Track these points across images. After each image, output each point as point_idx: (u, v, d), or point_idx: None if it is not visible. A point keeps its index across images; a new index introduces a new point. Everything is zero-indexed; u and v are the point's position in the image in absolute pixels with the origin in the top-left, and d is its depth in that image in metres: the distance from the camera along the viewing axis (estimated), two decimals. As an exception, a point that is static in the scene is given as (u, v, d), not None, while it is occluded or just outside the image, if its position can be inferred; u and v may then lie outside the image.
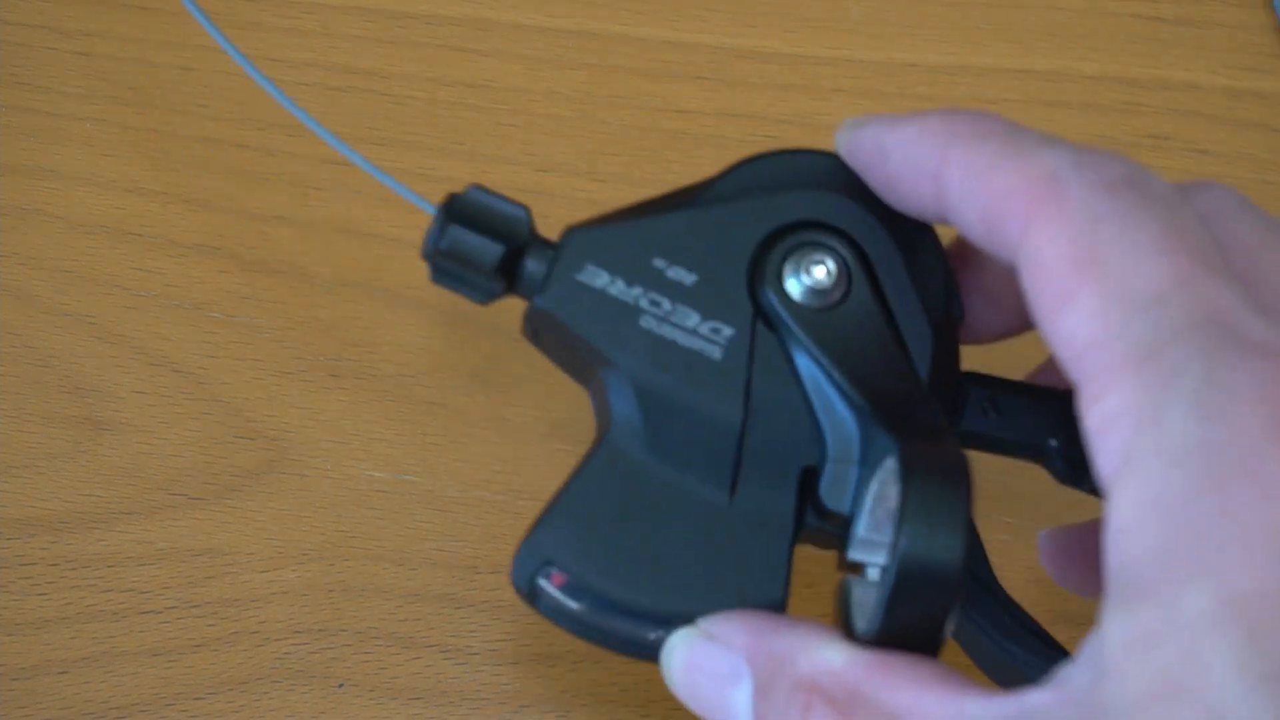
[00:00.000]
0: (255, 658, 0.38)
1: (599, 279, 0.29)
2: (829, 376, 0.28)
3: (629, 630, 0.28)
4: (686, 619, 0.28)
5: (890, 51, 0.46)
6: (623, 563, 0.28)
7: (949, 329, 0.30)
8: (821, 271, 0.29)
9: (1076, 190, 0.24)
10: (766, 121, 0.45)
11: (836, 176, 0.30)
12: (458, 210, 0.31)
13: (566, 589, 0.28)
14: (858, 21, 0.46)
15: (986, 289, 0.31)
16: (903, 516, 0.25)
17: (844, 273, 0.30)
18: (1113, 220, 0.24)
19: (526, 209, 0.31)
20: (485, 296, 0.31)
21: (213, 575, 0.39)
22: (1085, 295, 0.23)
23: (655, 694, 0.38)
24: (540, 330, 0.30)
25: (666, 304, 0.29)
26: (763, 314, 0.29)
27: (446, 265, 0.31)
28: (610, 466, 0.29)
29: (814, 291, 0.29)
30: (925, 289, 0.30)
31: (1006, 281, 0.30)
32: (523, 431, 0.41)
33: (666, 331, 0.29)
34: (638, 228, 0.30)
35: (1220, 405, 0.21)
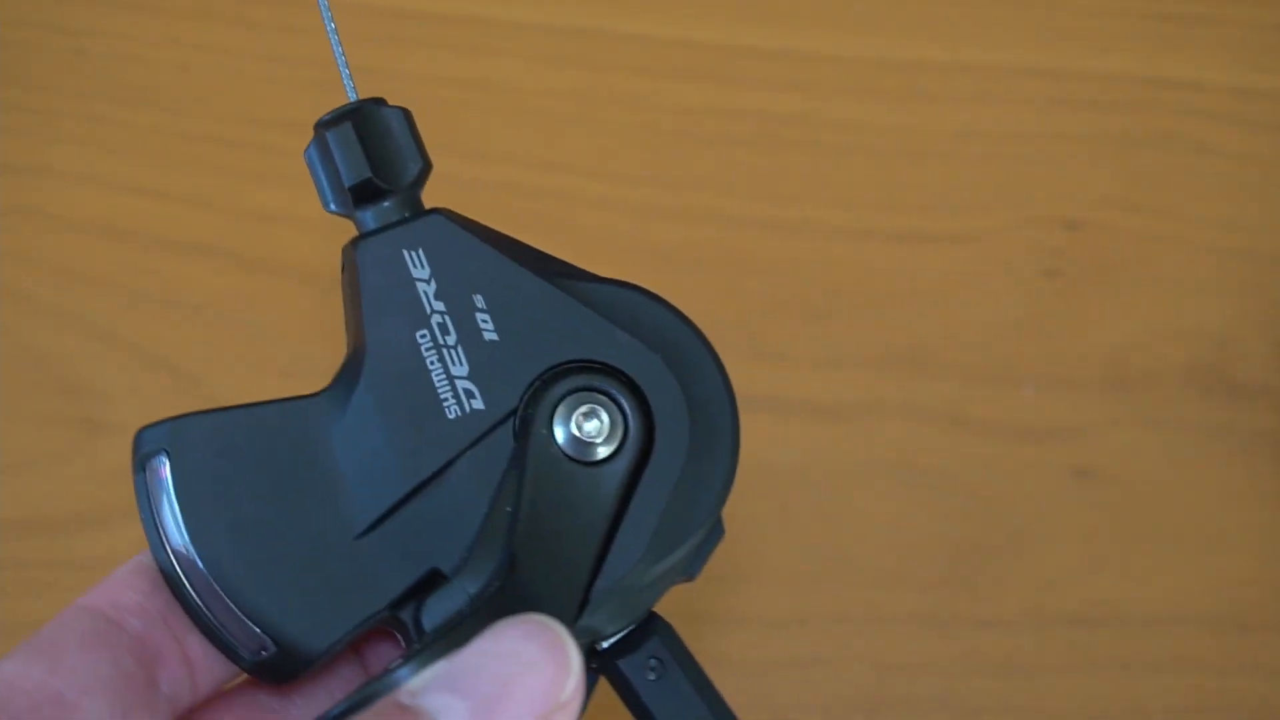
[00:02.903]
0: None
1: (419, 270, 0.28)
2: (515, 515, 0.27)
3: (183, 562, 0.27)
4: (231, 590, 0.26)
5: (894, 50, 0.46)
6: (227, 506, 0.27)
7: (666, 567, 0.28)
8: (593, 427, 0.27)
9: None
10: (768, 120, 0.45)
11: (682, 360, 0.29)
12: (368, 118, 0.29)
13: (164, 484, 0.27)
14: (861, 20, 0.46)
15: None
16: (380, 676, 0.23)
17: (617, 443, 0.27)
18: None
19: (426, 165, 0.29)
20: (325, 202, 0.29)
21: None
22: None
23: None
24: (344, 270, 0.29)
25: (453, 338, 0.28)
26: (520, 418, 0.28)
27: (318, 150, 0.29)
28: (296, 422, 0.27)
29: (574, 440, 0.27)
30: (680, 511, 0.28)
31: None
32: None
33: (431, 359, 0.28)
34: (492, 258, 0.28)
35: None
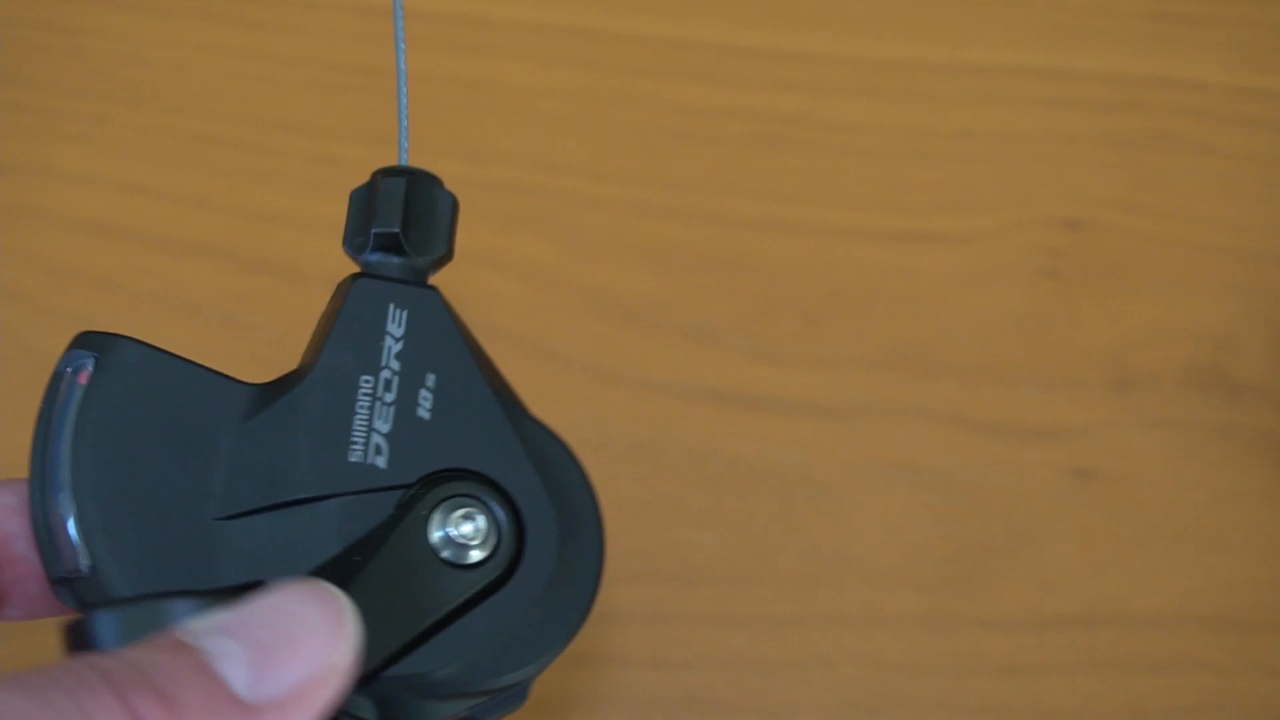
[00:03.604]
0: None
1: (395, 327, 0.29)
2: (358, 567, 0.27)
3: (53, 459, 0.27)
4: (84, 500, 0.26)
5: (893, 49, 0.46)
6: (120, 432, 0.27)
7: (458, 693, 0.28)
8: (467, 531, 0.28)
9: None
10: (768, 120, 0.45)
11: (569, 518, 0.29)
12: (423, 186, 0.31)
13: (78, 389, 0.28)
14: (861, 20, 0.46)
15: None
16: None
17: (481, 557, 0.28)
18: None
19: (448, 253, 0.31)
20: (346, 237, 0.30)
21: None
22: None
23: (660, 695, 0.38)
24: (334, 297, 0.30)
25: (391, 398, 0.29)
26: (410, 494, 0.28)
27: (365, 191, 0.31)
28: (218, 397, 0.28)
29: (446, 534, 0.28)
30: (501, 652, 0.28)
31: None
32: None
33: (363, 404, 0.28)
34: (460, 353, 0.29)
35: None
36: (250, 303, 0.42)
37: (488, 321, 0.42)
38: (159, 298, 0.41)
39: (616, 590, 0.40)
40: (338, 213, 0.42)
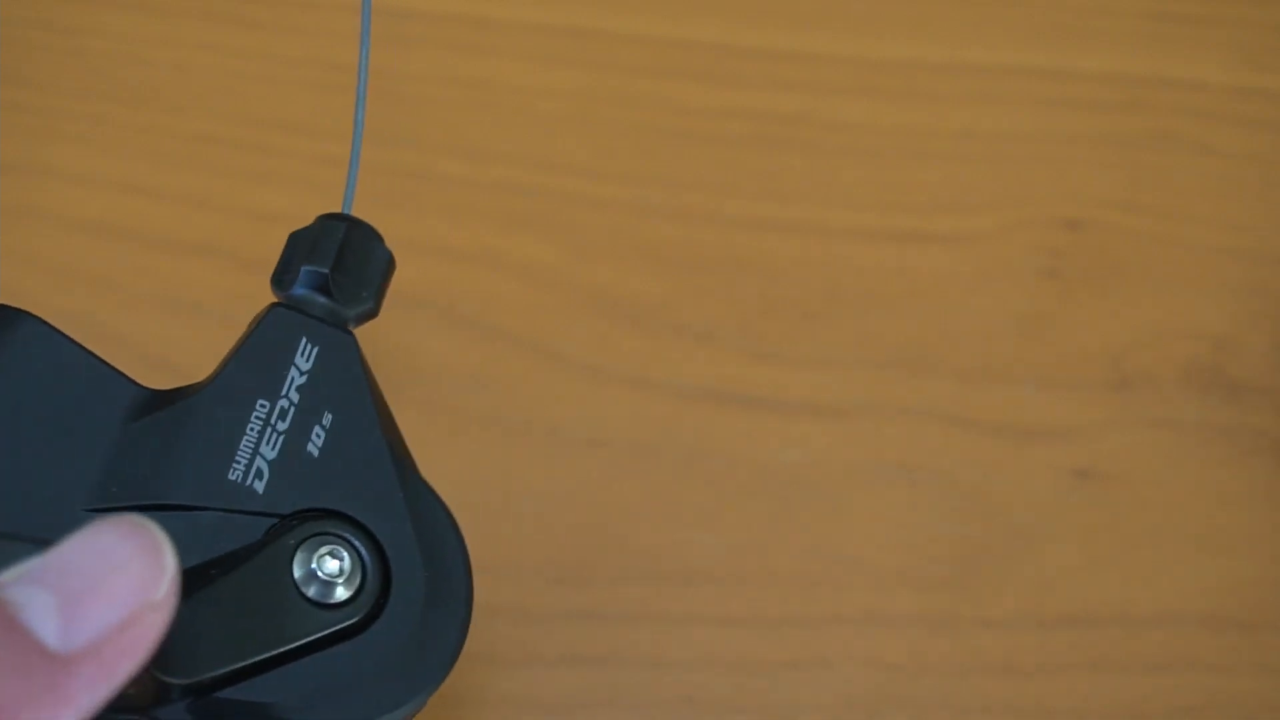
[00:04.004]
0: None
1: (302, 361, 0.29)
2: (208, 580, 0.27)
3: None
4: None
5: (893, 49, 0.46)
6: (7, 409, 0.27)
7: None
8: (330, 568, 0.28)
9: None
10: (768, 120, 0.45)
11: (439, 581, 0.29)
12: (362, 237, 0.31)
13: None
14: (861, 20, 0.46)
15: None
16: None
17: (337, 600, 0.28)
18: None
19: (374, 308, 0.31)
20: (276, 273, 0.31)
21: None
22: None
23: (660, 696, 0.38)
24: (253, 321, 0.30)
25: (283, 427, 0.29)
26: (280, 524, 0.28)
27: (304, 232, 0.31)
28: (109, 391, 0.28)
29: (310, 573, 0.28)
30: (344, 703, 0.28)
31: None
32: (521, 433, 0.40)
33: (254, 427, 0.28)
34: (363, 404, 0.29)
35: None
36: (250, 303, 0.41)
37: (490, 322, 0.42)
38: (159, 298, 0.41)
39: (616, 590, 0.40)
40: (338, 213, 0.42)
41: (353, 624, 0.28)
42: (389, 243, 0.31)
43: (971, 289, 0.44)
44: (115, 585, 0.21)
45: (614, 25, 0.45)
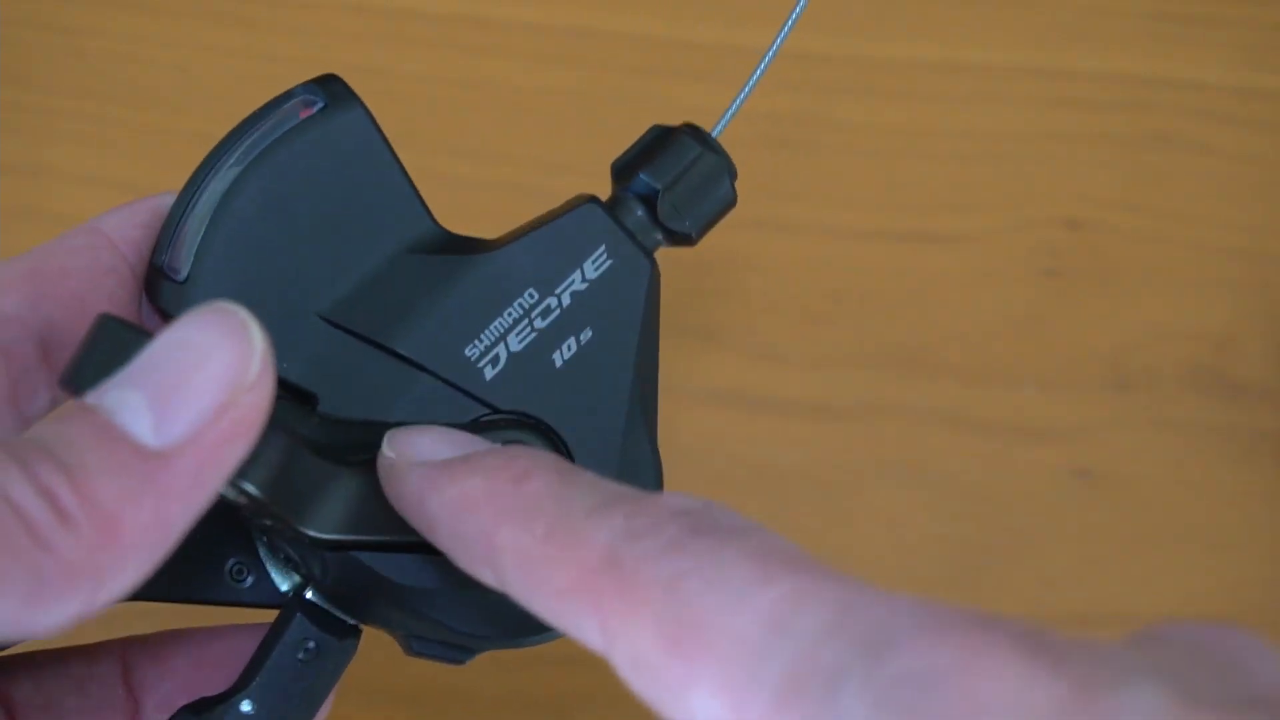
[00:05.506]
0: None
1: (591, 269, 0.28)
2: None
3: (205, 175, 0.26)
4: (208, 229, 0.26)
5: (894, 49, 0.46)
6: (287, 185, 0.26)
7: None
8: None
9: (639, 566, 0.21)
10: (768, 120, 0.45)
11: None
12: (714, 171, 0.31)
13: (287, 122, 0.27)
14: (861, 20, 0.46)
15: None
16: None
17: None
18: (692, 577, 0.21)
19: (696, 238, 0.30)
20: (621, 159, 0.30)
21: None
22: (699, 676, 0.20)
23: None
24: (568, 203, 0.30)
25: (540, 325, 0.27)
26: (494, 415, 0.27)
27: (663, 136, 0.30)
28: (404, 216, 0.27)
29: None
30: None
31: None
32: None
33: (511, 312, 0.27)
34: (631, 335, 0.28)
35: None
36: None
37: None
38: (159, 298, 0.41)
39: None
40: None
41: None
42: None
43: (972, 289, 0.44)
44: (204, 374, 0.21)
45: (613, 25, 0.45)
